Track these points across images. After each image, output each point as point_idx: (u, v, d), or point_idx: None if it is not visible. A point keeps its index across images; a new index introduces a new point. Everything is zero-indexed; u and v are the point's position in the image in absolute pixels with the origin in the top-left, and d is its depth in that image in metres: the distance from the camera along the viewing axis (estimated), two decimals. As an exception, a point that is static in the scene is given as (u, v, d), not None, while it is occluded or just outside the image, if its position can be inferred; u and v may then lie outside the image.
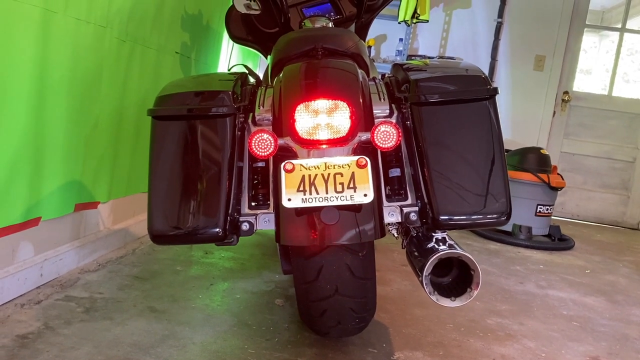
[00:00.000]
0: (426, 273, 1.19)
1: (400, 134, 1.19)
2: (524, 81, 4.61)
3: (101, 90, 1.88)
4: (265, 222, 1.27)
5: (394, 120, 1.32)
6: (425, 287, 1.20)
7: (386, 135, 1.19)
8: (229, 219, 1.20)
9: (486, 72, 4.58)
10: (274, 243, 2.55)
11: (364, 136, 1.21)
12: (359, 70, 1.36)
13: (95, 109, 1.86)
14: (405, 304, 1.96)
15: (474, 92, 1.26)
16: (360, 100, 1.24)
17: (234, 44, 2.77)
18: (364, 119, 1.24)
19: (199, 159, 1.23)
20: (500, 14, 4.52)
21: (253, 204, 1.28)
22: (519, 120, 4.64)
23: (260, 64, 3.98)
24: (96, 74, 1.83)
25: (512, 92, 4.62)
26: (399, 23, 4.17)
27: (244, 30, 2.35)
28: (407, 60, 4.48)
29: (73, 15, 1.64)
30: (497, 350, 1.66)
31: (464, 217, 1.21)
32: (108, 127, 1.96)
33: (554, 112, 4.62)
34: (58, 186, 1.70)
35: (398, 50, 4.50)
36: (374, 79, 1.45)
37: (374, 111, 1.31)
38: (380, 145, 1.19)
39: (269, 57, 2.30)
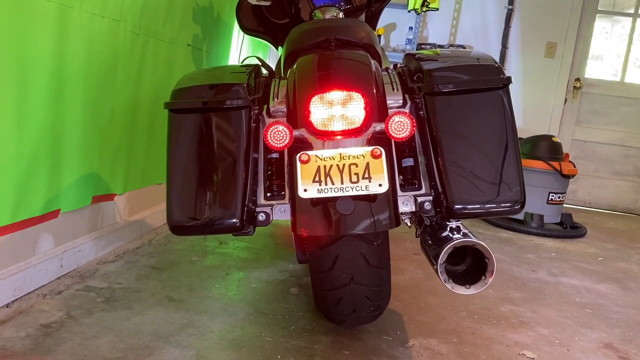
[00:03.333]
0: (441, 261, 1.21)
1: (414, 124, 1.20)
2: (535, 69, 4.57)
3: (116, 83, 1.90)
4: (280, 212, 1.29)
5: (407, 110, 1.32)
6: (440, 275, 1.22)
7: (400, 125, 1.20)
8: (245, 209, 1.22)
9: (497, 59, 4.56)
10: (287, 233, 2.58)
11: (378, 127, 1.22)
12: (372, 61, 1.37)
13: (111, 103, 1.88)
14: (419, 292, 1.98)
15: (487, 81, 1.26)
16: (374, 91, 1.25)
17: (244, 35, 2.78)
18: (378, 110, 1.25)
19: (216, 151, 1.25)
20: (511, 1, 4.49)
21: (268, 194, 1.30)
22: (530, 108, 4.61)
23: (270, 55, 3.99)
24: (111, 68, 1.85)
25: (523, 79, 4.59)
26: (409, 11, 4.14)
27: (255, 21, 2.36)
28: (417, 49, 4.46)
29: (88, 10, 1.66)
30: (511, 338, 1.68)
31: (478, 206, 1.22)
32: (123, 120, 1.98)
33: (566, 100, 4.59)
34: (76, 179, 1.73)
35: (408, 39, 4.49)
36: (386, 69, 1.46)
37: (388, 101, 1.32)
38: (395, 135, 1.20)
39: (280, 48, 2.32)
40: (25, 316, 1.45)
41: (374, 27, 2.59)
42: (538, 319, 1.86)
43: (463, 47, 4.54)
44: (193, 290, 1.77)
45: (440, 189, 1.23)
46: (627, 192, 4.64)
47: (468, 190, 1.22)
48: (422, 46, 4.53)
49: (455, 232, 1.26)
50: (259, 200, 1.30)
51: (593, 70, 4.61)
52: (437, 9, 4.15)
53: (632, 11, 4.54)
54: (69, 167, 1.69)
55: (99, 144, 1.84)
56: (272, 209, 1.29)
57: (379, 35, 4.58)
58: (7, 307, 1.48)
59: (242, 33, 3.09)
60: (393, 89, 1.35)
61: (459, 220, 1.28)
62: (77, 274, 1.78)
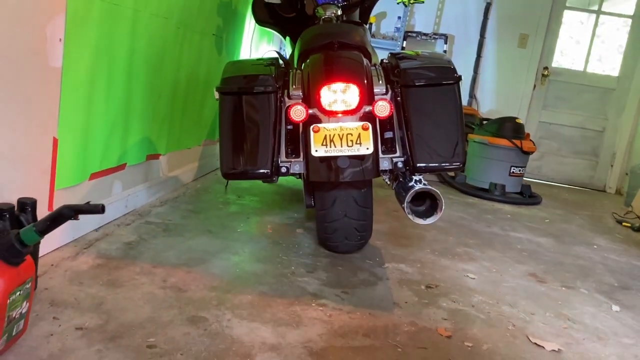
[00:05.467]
0: (407, 201, 1.78)
1: (392, 107, 1.76)
2: (509, 57, 5.14)
3: (164, 68, 2.43)
4: (296, 167, 1.85)
5: (388, 97, 1.88)
6: (406, 210, 1.79)
7: (382, 108, 1.76)
8: (273, 163, 1.78)
9: (475, 48, 5.12)
10: (289, 192, 3.15)
11: (367, 108, 1.78)
12: (364, 59, 1.92)
13: (160, 83, 2.42)
14: (395, 236, 2.57)
15: (445, 78, 1.82)
16: (365, 82, 1.81)
17: (256, 24, 3.30)
18: (367, 96, 1.81)
19: (253, 122, 1.80)
20: (490, -4, 5.01)
21: (288, 152, 1.85)
22: (503, 93, 5.19)
23: (273, 39, 4.50)
24: (160, 56, 2.38)
25: (498, 67, 5.15)
26: (398, 4, 4.66)
27: (267, 15, 2.91)
28: (404, 36, 4.99)
29: (149, 12, 2.18)
30: (461, 266, 2.27)
31: (435, 164, 1.79)
32: (167, 96, 2.52)
33: (534, 86, 5.17)
34: (136, 141, 2.27)
35: (396, 27, 5.01)
36: (374, 65, 2.01)
37: (375, 90, 1.87)
38: (378, 115, 1.76)
39: (287, 37, 2.85)
40: (111, 237, 2.01)
41: (367, 18, 3.14)
42: (484, 257, 2.46)
43: (446, 40, 5.06)
44: (225, 228, 2.34)
45: (409, 153, 1.80)
46: (585, 169, 5.26)
47: (427, 154, 1.78)
48: (409, 34, 5.06)
49: (418, 183, 1.83)
50: (282, 157, 1.85)
51: (570, 51, 5.21)
52: (423, 2, 4.67)
53: (596, 8, 5.09)
54: (134, 131, 2.23)
55: (152, 115, 2.38)
56: (290, 164, 1.85)
57: (371, 24, 5.10)
58: (96, 231, 2.05)
59: (252, 23, 3.61)
60: (379, 81, 1.90)
61: (421, 175, 1.86)
62: (137, 213, 2.34)
